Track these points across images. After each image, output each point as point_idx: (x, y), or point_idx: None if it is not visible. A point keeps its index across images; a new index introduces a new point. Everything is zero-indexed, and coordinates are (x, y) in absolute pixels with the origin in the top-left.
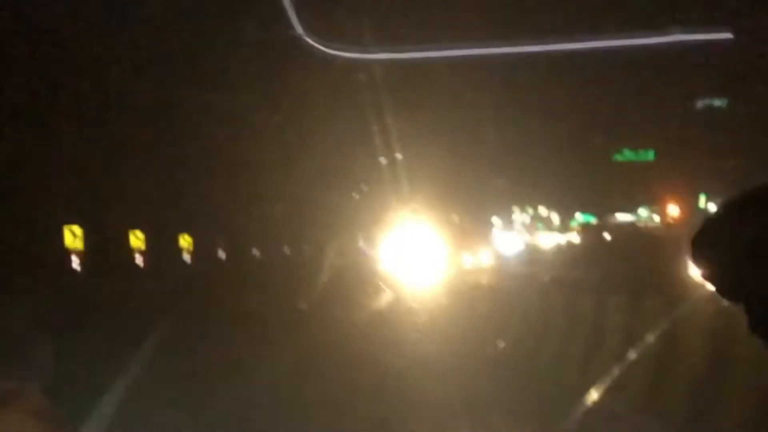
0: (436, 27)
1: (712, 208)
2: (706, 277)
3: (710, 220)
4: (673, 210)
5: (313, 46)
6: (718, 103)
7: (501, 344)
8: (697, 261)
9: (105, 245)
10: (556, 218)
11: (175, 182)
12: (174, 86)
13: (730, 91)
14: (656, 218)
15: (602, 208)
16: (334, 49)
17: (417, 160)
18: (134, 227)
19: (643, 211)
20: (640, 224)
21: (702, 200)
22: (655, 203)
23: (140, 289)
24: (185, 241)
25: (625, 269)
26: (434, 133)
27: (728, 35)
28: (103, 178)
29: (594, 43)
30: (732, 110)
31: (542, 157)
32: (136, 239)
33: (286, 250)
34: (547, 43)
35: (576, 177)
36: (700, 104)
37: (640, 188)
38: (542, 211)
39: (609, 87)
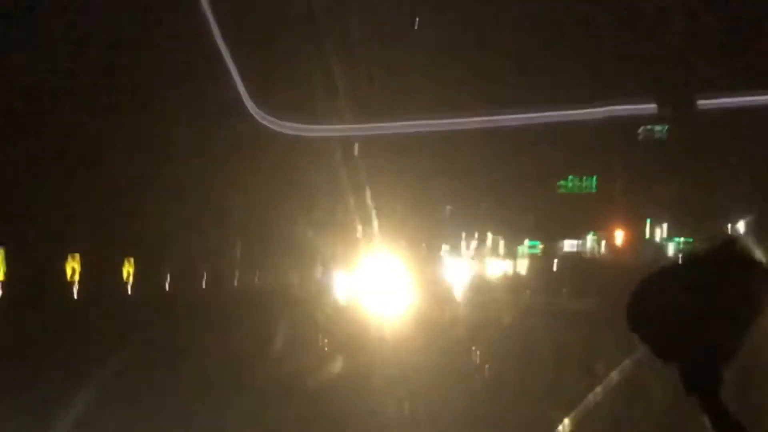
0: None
1: (657, 233)
2: (641, 337)
3: (647, 284)
4: (619, 237)
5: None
6: (659, 129)
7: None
8: (634, 322)
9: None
10: (501, 246)
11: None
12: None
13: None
14: (603, 243)
15: (548, 236)
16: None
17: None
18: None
19: (590, 238)
20: (586, 253)
21: (647, 226)
22: (602, 230)
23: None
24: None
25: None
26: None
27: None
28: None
29: (526, 115)
30: (671, 137)
31: (489, 185)
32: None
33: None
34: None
35: (521, 205)
36: (641, 131)
37: (585, 215)
38: (489, 238)
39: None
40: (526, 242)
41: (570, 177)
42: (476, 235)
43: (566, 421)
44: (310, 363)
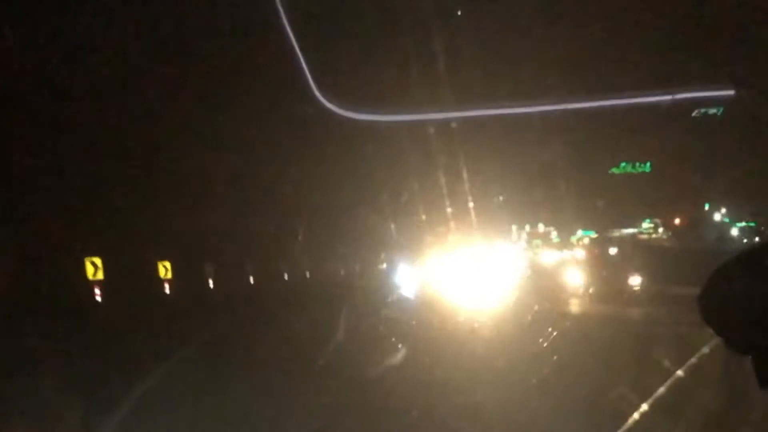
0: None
1: (716, 216)
2: (716, 330)
3: (718, 276)
4: (680, 221)
5: (327, 107)
6: (714, 110)
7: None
8: (707, 315)
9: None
10: (554, 235)
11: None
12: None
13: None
14: (660, 230)
15: (603, 224)
16: (348, 110)
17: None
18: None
19: (646, 224)
20: (643, 237)
21: (706, 208)
22: (658, 215)
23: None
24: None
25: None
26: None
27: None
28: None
29: (599, 102)
30: (727, 118)
31: (539, 176)
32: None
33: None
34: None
35: (573, 193)
36: (697, 113)
37: (639, 201)
38: (541, 228)
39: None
40: (580, 232)
41: (622, 163)
42: (527, 226)
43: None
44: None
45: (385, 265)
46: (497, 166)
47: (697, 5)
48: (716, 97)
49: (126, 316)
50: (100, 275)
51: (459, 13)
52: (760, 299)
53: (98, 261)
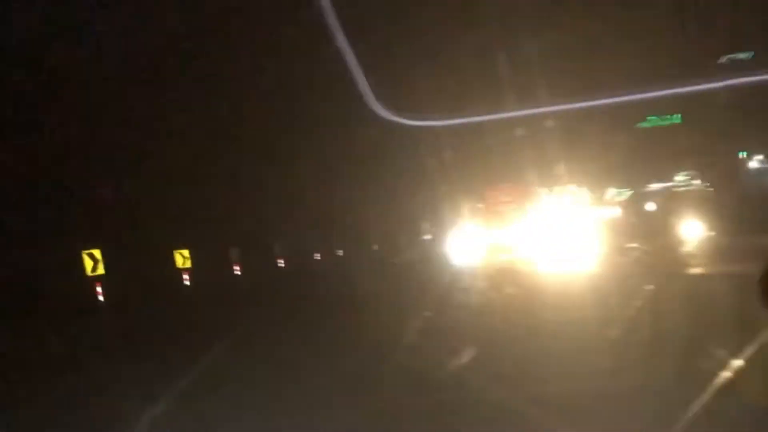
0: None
1: (754, 165)
2: None
3: None
4: (717, 170)
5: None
6: (743, 55)
7: None
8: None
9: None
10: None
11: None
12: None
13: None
14: (698, 181)
15: (634, 179)
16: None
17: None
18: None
19: (681, 177)
20: (680, 189)
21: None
22: (692, 167)
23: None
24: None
25: None
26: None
27: None
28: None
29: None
30: (758, 63)
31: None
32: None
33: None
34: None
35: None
36: (723, 60)
37: (671, 154)
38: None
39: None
40: (612, 190)
41: (650, 117)
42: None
43: None
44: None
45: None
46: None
47: None
48: None
49: (210, 295)
50: (188, 264)
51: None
52: None
53: (186, 252)
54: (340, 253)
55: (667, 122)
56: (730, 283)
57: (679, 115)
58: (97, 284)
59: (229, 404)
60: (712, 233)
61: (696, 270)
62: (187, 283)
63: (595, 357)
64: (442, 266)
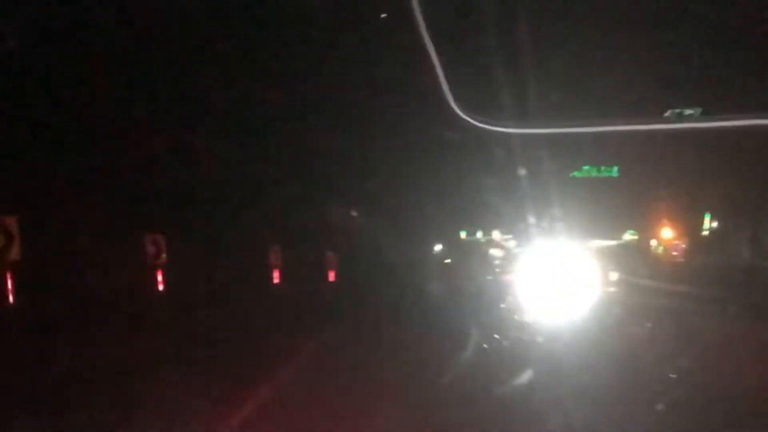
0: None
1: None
2: None
3: None
4: (670, 233)
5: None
6: (689, 112)
7: None
8: None
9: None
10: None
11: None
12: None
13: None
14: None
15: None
16: (483, 122)
17: None
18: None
19: (628, 236)
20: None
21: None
22: (642, 228)
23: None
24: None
25: None
26: None
27: None
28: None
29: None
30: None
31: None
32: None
33: None
34: None
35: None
36: (669, 114)
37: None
38: (496, 235)
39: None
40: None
41: (584, 167)
42: (479, 233)
43: None
44: None
45: None
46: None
47: None
48: None
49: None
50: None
51: None
52: None
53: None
54: None
55: (604, 174)
56: None
57: (616, 168)
58: None
59: None
60: None
61: None
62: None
63: None
64: None
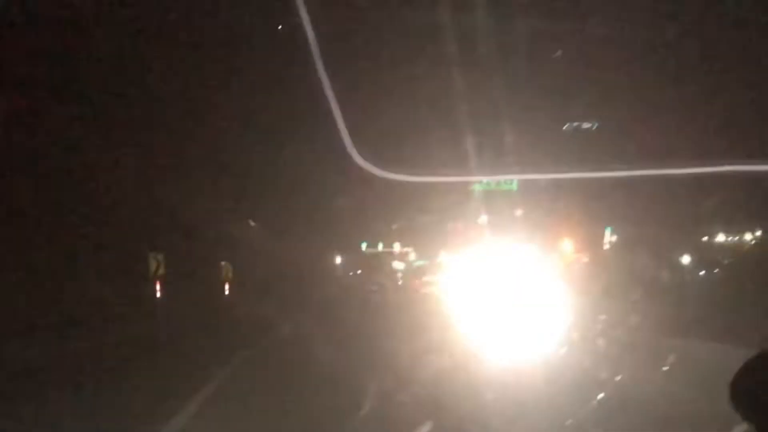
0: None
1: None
2: (744, 415)
3: (753, 365)
4: (571, 248)
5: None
6: (586, 125)
7: None
8: (737, 400)
9: None
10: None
11: None
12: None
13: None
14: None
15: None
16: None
17: None
18: None
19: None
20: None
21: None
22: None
23: None
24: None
25: None
26: None
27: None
28: None
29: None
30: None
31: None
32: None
33: None
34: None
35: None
36: (567, 126)
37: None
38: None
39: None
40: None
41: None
42: (380, 245)
43: None
44: None
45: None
46: None
47: None
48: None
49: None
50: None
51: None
52: None
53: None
54: None
55: (503, 187)
56: None
57: (515, 182)
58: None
59: None
60: None
61: None
62: None
63: None
64: None
